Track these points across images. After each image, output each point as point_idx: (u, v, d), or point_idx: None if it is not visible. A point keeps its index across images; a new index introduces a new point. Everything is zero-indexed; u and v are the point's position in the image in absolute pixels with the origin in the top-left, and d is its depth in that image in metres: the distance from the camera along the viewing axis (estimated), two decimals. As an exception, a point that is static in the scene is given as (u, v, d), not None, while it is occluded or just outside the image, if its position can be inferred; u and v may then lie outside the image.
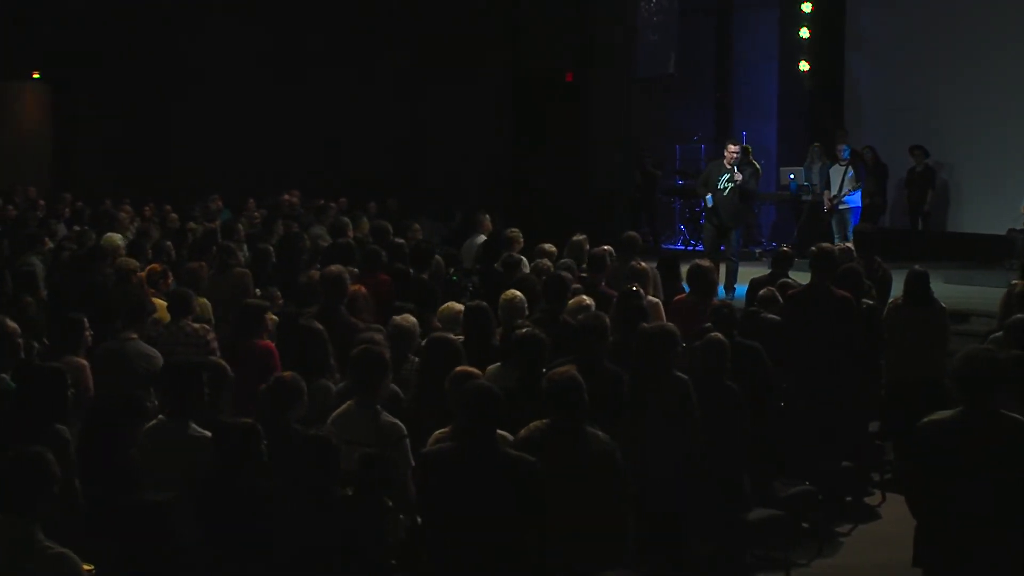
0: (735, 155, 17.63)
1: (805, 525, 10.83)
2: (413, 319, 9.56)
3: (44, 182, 27.73)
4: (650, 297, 12.16)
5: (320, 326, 8.95)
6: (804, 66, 24.54)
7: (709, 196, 17.62)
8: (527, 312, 10.76)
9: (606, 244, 14.06)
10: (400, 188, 26.57)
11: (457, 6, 28.25)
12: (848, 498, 11.64)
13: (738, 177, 17.44)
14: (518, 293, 10.97)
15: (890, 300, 12.58)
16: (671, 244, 24.17)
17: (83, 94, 29.11)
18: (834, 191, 20.38)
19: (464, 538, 6.40)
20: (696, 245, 22.74)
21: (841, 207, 20.35)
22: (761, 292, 12.18)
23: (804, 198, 22.42)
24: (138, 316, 9.39)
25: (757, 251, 22.94)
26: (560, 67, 28.15)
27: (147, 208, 21.90)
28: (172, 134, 28.27)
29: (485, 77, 28.38)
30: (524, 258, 14.50)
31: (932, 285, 12.40)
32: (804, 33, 24.41)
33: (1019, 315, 9.87)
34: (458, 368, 7.59)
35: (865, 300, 12.02)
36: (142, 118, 28.31)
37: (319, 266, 13.86)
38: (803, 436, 10.89)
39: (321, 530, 6.30)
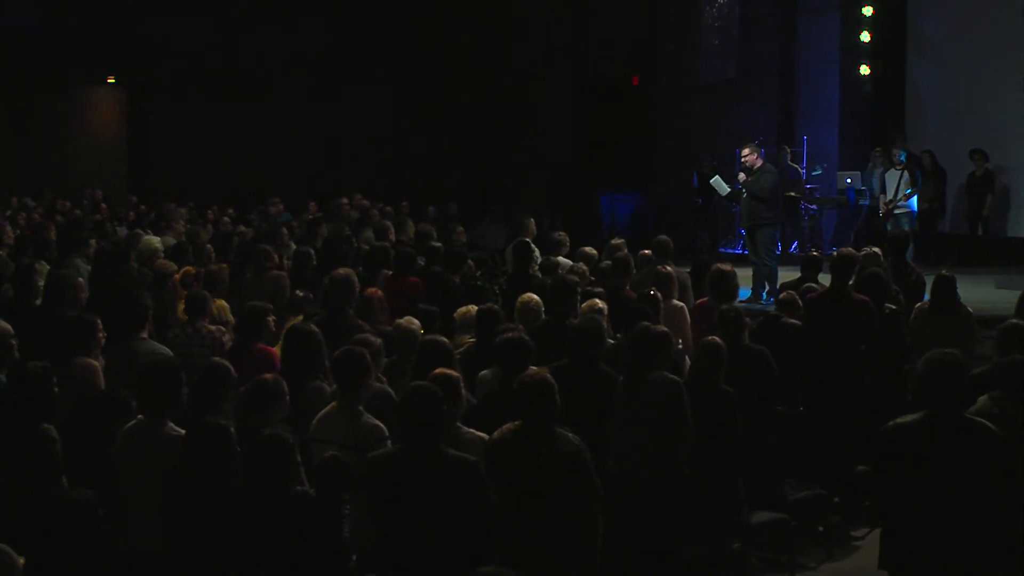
0: (745, 159, 17.64)
1: (820, 528, 10.83)
2: (417, 322, 9.73)
3: (120, 185, 28.25)
4: (674, 301, 12.24)
5: (315, 328, 9.12)
6: (865, 70, 24.49)
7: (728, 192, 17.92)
8: (543, 316, 10.90)
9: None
10: (465, 192, 26.82)
11: (525, 12, 28.46)
12: (867, 502, 11.63)
13: (741, 177, 17.49)
14: (535, 297, 11.14)
15: (916, 305, 12.53)
16: (730, 248, 24.14)
17: (157, 98, 29.57)
18: (890, 195, 20.28)
19: (412, 540, 6.56)
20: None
21: (897, 211, 20.23)
22: (781, 296, 12.24)
23: (862, 202, 22.33)
24: (143, 317, 9.58)
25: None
26: (627, 72, 28.30)
27: (210, 211, 22.31)
28: (243, 138, 28.65)
29: (552, 82, 28.56)
30: (569, 261, 14.66)
31: (983, 290, 12.33)
32: (865, 37, 24.35)
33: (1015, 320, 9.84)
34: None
35: (888, 305, 11.99)
36: (214, 122, 28.72)
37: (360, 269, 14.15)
38: (819, 439, 10.93)
39: (278, 530, 6.44)
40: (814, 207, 23.98)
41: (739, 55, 26.03)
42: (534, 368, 7.71)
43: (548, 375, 7.34)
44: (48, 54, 28.34)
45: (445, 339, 8.99)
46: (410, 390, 6.85)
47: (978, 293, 16.94)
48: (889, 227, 20.29)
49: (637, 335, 8.93)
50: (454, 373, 7.47)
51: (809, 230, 23.88)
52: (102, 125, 30.61)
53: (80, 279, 11.84)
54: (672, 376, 8.93)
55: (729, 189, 17.92)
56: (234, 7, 28.63)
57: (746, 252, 20.48)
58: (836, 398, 11.33)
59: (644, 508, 8.86)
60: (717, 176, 18.16)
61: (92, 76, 29.75)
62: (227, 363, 7.84)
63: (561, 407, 8.14)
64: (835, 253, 12.29)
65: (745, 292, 17.05)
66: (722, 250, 24.09)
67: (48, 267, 13.39)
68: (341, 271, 11.16)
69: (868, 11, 24.26)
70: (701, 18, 26.53)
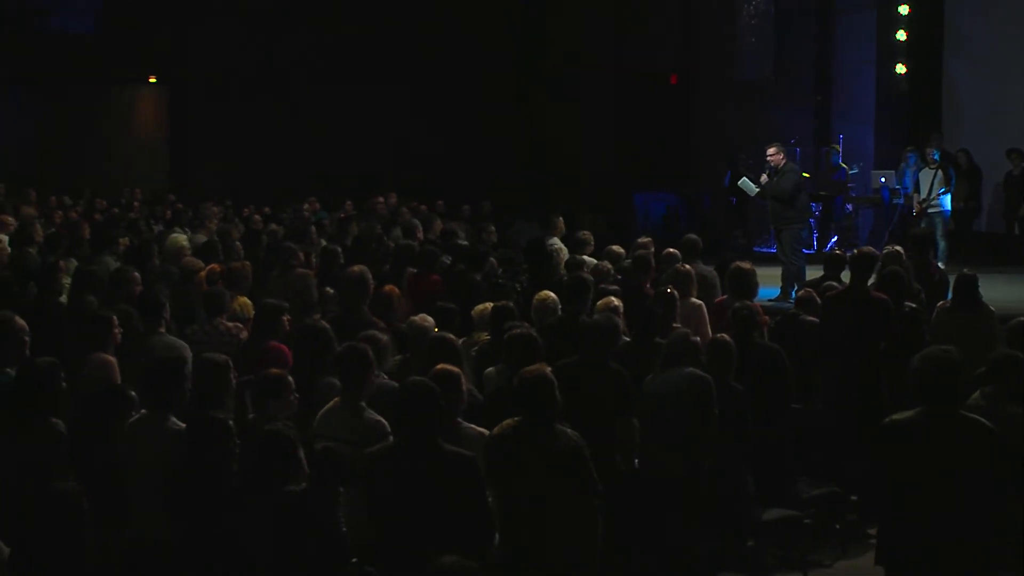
0: (770, 158, 17.64)
1: (838, 527, 10.84)
2: (431, 320, 9.83)
3: (162, 184, 28.49)
4: (693, 300, 12.28)
5: (326, 325, 9.22)
6: (901, 69, 24.42)
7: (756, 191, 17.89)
8: (559, 313, 10.97)
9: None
10: (503, 191, 26.89)
11: (562, 8, 28.51)
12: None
13: (763, 178, 17.49)
14: (551, 294, 11.20)
15: (938, 304, 12.51)
16: (766, 248, 24.09)
17: (198, 98, 29.81)
18: (923, 194, 20.23)
19: (408, 535, 6.64)
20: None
21: (931, 211, 20.16)
22: (800, 294, 12.26)
23: (896, 201, 22.28)
24: (159, 313, 9.71)
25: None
26: (664, 69, 28.31)
27: (247, 209, 22.48)
28: (282, 137, 28.85)
29: (590, 79, 28.60)
30: (594, 260, 14.71)
31: (1018, 289, 12.29)
32: (901, 36, 24.29)
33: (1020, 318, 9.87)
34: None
35: (908, 303, 11.98)
36: (254, 121, 28.92)
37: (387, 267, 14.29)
38: (836, 438, 10.96)
39: (275, 524, 6.53)
40: (849, 206, 23.91)
41: (775, 54, 26.00)
42: (535, 365, 7.75)
43: (548, 372, 7.41)
44: (96, 56, 28.66)
45: (452, 336, 9.08)
46: (406, 386, 6.94)
47: (1013, 292, 16.91)
48: (923, 226, 20.22)
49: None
50: (455, 369, 7.54)
51: (845, 229, 23.80)
52: (144, 124, 30.89)
53: (136, 274, 12.04)
54: (701, 373, 9.02)
55: (757, 189, 17.91)
56: (274, 10, 28.82)
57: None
58: (854, 396, 11.33)
59: (664, 505, 8.97)
60: (744, 178, 18.16)
61: (134, 76, 30.01)
62: (227, 358, 7.93)
63: (570, 404, 8.30)
64: (854, 252, 12.30)
65: (774, 291, 17.09)
66: (757, 249, 24.07)
67: (75, 264, 13.52)
68: (355, 269, 11.28)
69: (904, 9, 24.21)
70: (738, 16, 26.49)
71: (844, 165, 23.51)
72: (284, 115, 29.05)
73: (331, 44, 28.89)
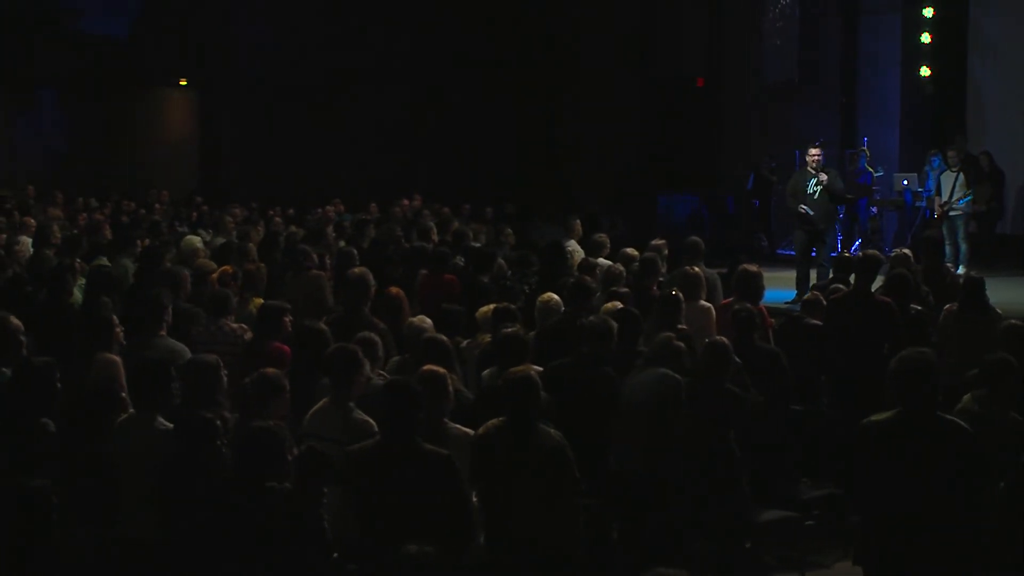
0: (816, 158, 17.62)
1: (838, 528, 10.87)
2: (429, 321, 9.94)
3: (192, 187, 28.71)
4: (702, 303, 12.31)
5: (323, 326, 9.34)
6: (925, 71, 24.38)
7: (805, 207, 17.55)
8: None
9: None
10: (527, 192, 27.01)
11: (588, 11, 28.58)
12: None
13: (823, 178, 17.43)
14: (555, 296, 11.30)
15: (945, 307, 12.52)
16: (789, 250, 24.06)
17: (228, 100, 30.04)
18: (944, 197, 20.22)
19: (389, 533, 6.73)
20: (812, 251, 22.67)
21: (952, 213, 20.14)
22: (806, 296, 12.31)
23: (918, 204, 22.27)
24: (160, 315, 9.83)
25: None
26: (691, 73, 28.35)
27: (271, 211, 22.62)
28: (310, 140, 29.04)
29: (618, 82, 28.66)
30: (608, 262, 14.77)
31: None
32: (926, 38, 24.26)
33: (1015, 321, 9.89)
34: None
35: (914, 306, 12.01)
36: (284, 124, 29.13)
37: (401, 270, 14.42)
38: (839, 439, 10.98)
39: (259, 521, 6.63)
40: (874, 209, 23.89)
41: (800, 56, 26.00)
42: (521, 366, 7.84)
43: (533, 373, 7.50)
44: (127, 60, 28.93)
45: (443, 338, 9.16)
46: (386, 386, 7.04)
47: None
48: (944, 229, 20.20)
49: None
50: (441, 370, 7.63)
51: (870, 232, 23.78)
52: (174, 128, 31.13)
53: (186, 272, 12.28)
54: (671, 374, 9.08)
55: (812, 212, 17.57)
56: (304, 14, 29.00)
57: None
58: (858, 398, 11.35)
59: (647, 505, 9.04)
60: (804, 206, 17.76)
61: (165, 80, 30.25)
62: (217, 359, 8.06)
63: (562, 405, 8.40)
64: (859, 254, 12.35)
65: (789, 294, 17.11)
66: (780, 251, 24.07)
67: (88, 266, 13.68)
68: (356, 270, 11.39)
69: (929, 12, 24.16)
70: (763, 19, 26.50)
71: (871, 168, 23.47)
72: (313, 118, 29.24)
73: (361, 48, 29.03)
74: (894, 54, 24.98)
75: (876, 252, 12.84)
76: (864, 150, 23.83)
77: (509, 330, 9.17)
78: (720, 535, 9.55)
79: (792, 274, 17.81)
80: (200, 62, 29.37)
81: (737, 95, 27.59)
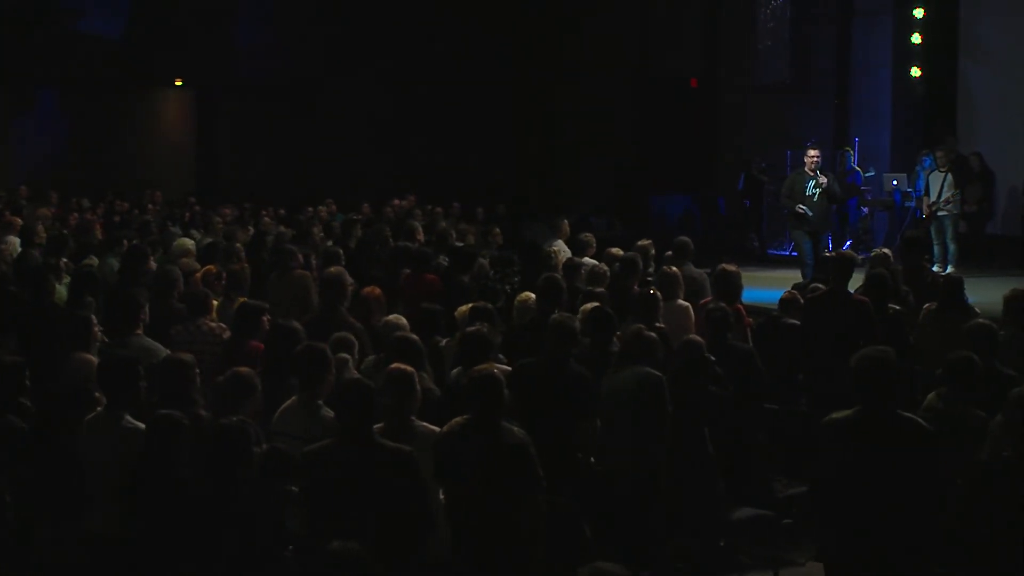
0: (815, 160, 17.67)
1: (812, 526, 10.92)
2: (404, 320, 10.01)
3: (188, 187, 28.80)
4: (680, 301, 12.38)
5: (296, 325, 9.43)
6: (916, 72, 24.43)
7: (804, 207, 17.57)
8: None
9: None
10: (524, 193, 27.09)
11: (584, 12, 28.66)
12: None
13: (823, 180, 17.48)
14: (532, 295, 11.37)
15: (924, 306, 12.57)
16: (780, 250, 24.19)
17: (225, 101, 30.13)
18: (933, 197, 20.27)
19: (347, 530, 6.78)
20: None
21: (940, 213, 20.19)
22: (783, 295, 12.38)
23: (907, 204, 22.33)
24: (136, 314, 9.90)
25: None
26: (686, 73, 28.43)
27: (264, 211, 22.71)
28: (307, 140, 29.13)
29: (611, 82, 28.74)
30: (595, 262, 14.83)
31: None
32: (916, 39, 24.30)
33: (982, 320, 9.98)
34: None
35: (891, 306, 12.06)
36: (281, 124, 29.23)
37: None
38: (813, 438, 11.03)
39: (221, 517, 6.71)
40: (865, 209, 23.94)
41: (793, 57, 26.05)
42: (485, 364, 7.91)
43: (496, 371, 7.57)
44: (124, 59, 29.03)
45: (414, 336, 9.22)
46: (342, 385, 7.11)
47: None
48: (932, 229, 20.26)
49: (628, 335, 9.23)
50: (409, 369, 7.68)
51: (861, 232, 23.83)
52: (170, 127, 31.21)
53: (179, 272, 12.38)
54: (653, 371, 9.14)
55: (811, 213, 17.61)
56: (301, 14, 29.09)
57: (795, 254, 20.56)
58: (834, 397, 11.39)
59: (624, 504, 9.11)
60: (803, 206, 17.78)
61: (161, 79, 30.33)
62: (192, 357, 8.14)
63: (529, 403, 8.47)
64: (832, 254, 12.43)
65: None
66: (771, 252, 24.15)
67: (75, 266, 13.77)
68: (332, 270, 11.46)
69: (920, 13, 24.19)
70: (756, 20, 26.56)
71: (858, 168, 23.51)
72: (310, 118, 29.32)
73: (358, 48, 29.11)
74: (885, 55, 25.01)
75: (850, 252, 12.92)
76: (848, 149, 23.86)
77: (472, 328, 9.24)
78: (695, 533, 9.62)
79: (784, 274, 17.84)
80: (197, 62, 29.44)
81: (731, 96, 27.65)
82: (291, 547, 6.89)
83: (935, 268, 18.92)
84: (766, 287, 17.05)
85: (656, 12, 28.80)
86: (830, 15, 25.91)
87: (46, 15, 28.28)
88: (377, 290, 11.56)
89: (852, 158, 23.52)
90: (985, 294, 14.30)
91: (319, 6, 29.21)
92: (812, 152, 17.76)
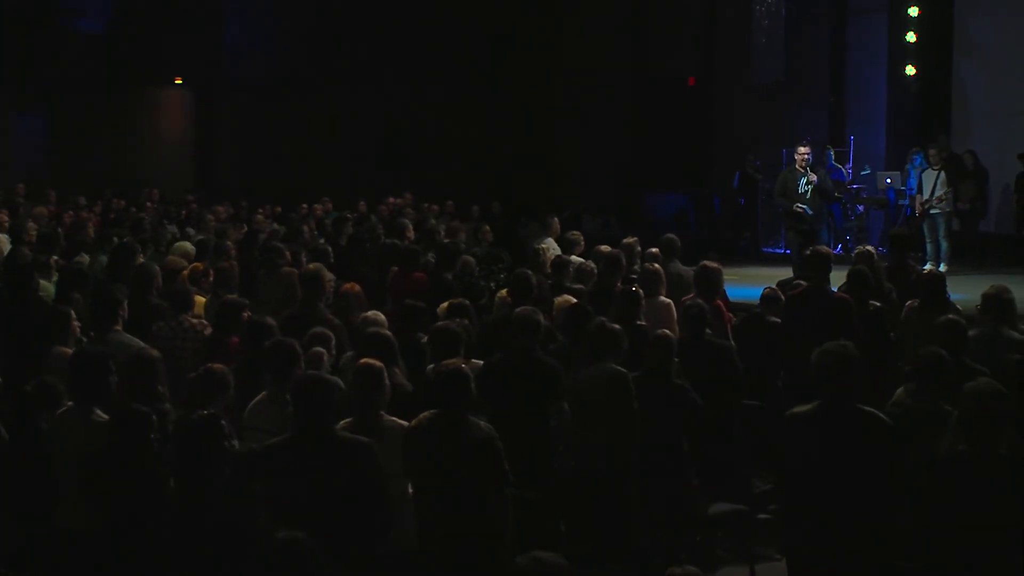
0: (807, 157, 17.64)
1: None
2: (382, 316, 10.09)
3: (187, 185, 28.86)
4: (662, 298, 12.44)
5: (272, 322, 9.51)
6: (911, 70, 24.46)
7: (803, 206, 17.51)
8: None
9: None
10: (520, 191, 27.14)
11: (580, 10, 28.72)
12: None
13: (814, 178, 17.45)
14: (512, 294, 11.46)
15: (907, 303, 12.62)
16: (775, 248, 24.22)
17: (223, 99, 30.20)
18: (926, 195, 20.31)
19: (306, 523, 6.84)
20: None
21: (933, 211, 20.23)
22: (764, 292, 12.44)
23: (901, 202, 22.37)
24: (115, 311, 9.97)
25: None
26: (682, 72, 28.49)
27: (262, 209, 22.77)
28: (306, 138, 29.21)
29: (608, 81, 28.80)
30: (582, 260, 14.90)
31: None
32: (911, 37, 24.33)
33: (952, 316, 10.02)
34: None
35: (872, 302, 12.11)
36: (279, 122, 29.29)
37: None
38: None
39: (192, 516, 6.76)
40: (860, 207, 23.98)
41: (788, 56, 26.09)
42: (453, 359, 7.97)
43: (463, 366, 7.62)
44: (117, 57, 29.12)
45: (387, 333, 9.30)
46: (299, 379, 7.17)
47: (1019, 294, 16.89)
48: (924, 227, 20.32)
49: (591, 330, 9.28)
50: (378, 364, 7.74)
51: (856, 230, 23.86)
52: (168, 126, 31.28)
53: (157, 267, 12.41)
54: (618, 368, 9.19)
55: (804, 207, 17.57)
56: (298, 13, 29.17)
57: (788, 252, 20.59)
58: (809, 393, 11.45)
59: (597, 500, 9.16)
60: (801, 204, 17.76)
61: (159, 78, 30.41)
62: (158, 353, 8.20)
63: (501, 398, 8.54)
64: (809, 251, 12.49)
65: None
66: (765, 249, 24.20)
67: (61, 262, 13.85)
68: (311, 266, 11.55)
69: (914, 11, 24.23)
70: (751, 19, 26.60)
71: (839, 165, 23.56)
72: (307, 117, 29.39)
73: (355, 47, 29.19)
74: (880, 53, 25.06)
75: (825, 248, 12.98)
76: (829, 147, 23.86)
77: (441, 324, 9.32)
78: (669, 528, 9.67)
79: (778, 272, 17.84)
80: (196, 61, 29.53)
81: (727, 95, 27.72)
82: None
83: (928, 266, 18.98)
84: (760, 284, 17.03)
85: (653, 11, 28.86)
86: (825, 14, 25.94)
87: (45, 14, 28.37)
88: (356, 287, 11.64)
89: (832, 156, 23.49)
90: (978, 292, 14.25)
91: (318, 5, 29.29)
92: (802, 149, 17.67)
